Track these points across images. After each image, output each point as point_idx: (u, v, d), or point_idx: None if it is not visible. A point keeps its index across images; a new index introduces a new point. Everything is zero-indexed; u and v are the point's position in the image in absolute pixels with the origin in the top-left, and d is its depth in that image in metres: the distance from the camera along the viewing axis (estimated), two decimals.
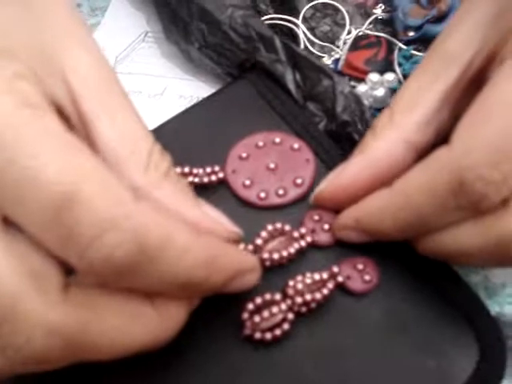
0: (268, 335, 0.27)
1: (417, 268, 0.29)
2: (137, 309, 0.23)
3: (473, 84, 0.27)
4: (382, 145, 0.28)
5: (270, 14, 0.42)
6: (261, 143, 0.33)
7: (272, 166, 0.32)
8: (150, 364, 0.25)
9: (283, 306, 0.27)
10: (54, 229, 0.19)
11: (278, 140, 0.33)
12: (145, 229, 0.20)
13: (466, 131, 0.24)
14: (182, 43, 0.39)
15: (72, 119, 0.24)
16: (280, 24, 0.41)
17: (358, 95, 0.35)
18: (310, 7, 0.42)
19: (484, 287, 0.34)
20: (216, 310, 0.27)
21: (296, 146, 0.33)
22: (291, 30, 0.41)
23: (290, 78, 0.35)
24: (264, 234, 0.29)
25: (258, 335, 0.27)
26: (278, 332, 0.27)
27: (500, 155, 0.22)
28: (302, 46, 0.41)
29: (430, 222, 0.26)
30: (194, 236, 0.23)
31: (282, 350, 0.27)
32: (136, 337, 0.22)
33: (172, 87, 0.41)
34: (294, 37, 0.41)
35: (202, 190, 0.31)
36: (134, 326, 0.22)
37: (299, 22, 0.41)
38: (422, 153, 0.27)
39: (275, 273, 0.29)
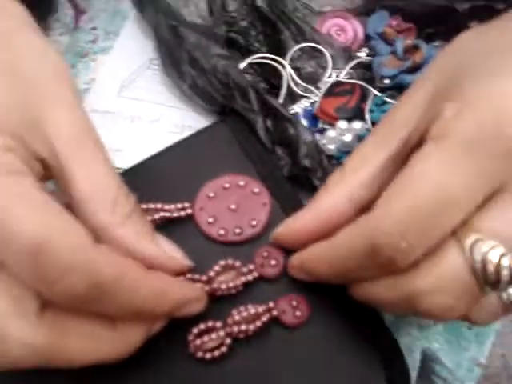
0: (208, 355, 0.34)
1: (346, 309, 0.36)
2: (100, 331, 0.30)
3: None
4: (329, 199, 0.33)
5: (261, 52, 0.47)
6: (227, 185, 0.39)
7: (233, 206, 0.38)
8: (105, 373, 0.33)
9: (221, 333, 0.34)
10: (29, 269, 0.26)
11: (241, 183, 0.39)
12: (98, 269, 0.27)
13: (383, 202, 0.29)
14: (176, 79, 0.45)
15: (53, 170, 0.31)
16: (268, 63, 0.47)
17: (318, 144, 0.40)
18: (299, 49, 0.47)
19: (417, 324, 0.40)
20: (167, 330, 0.34)
21: (256, 190, 0.39)
22: (277, 69, 0.47)
23: (260, 126, 0.41)
24: (217, 267, 0.36)
25: (199, 354, 0.34)
26: (216, 353, 0.34)
27: (407, 228, 0.27)
28: (286, 85, 0.46)
29: (355, 274, 0.32)
30: (144, 272, 0.30)
31: (220, 368, 0.34)
32: (99, 354, 0.30)
33: (168, 115, 0.48)
34: (280, 76, 0.47)
35: (171, 224, 0.38)
36: (96, 345, 0.30)
37: (286, 62, 0.47)
38: (367, 207, 0.32)
39: (223, 302, 0.36)
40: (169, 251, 0.33)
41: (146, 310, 0.30)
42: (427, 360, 0.39)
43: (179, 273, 0.34)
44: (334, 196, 0.33)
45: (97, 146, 0.32)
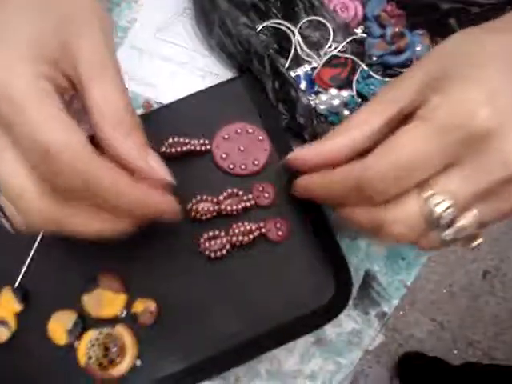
0: (212, 254, 0.49)
1: (315, 236, 0.50)
2: (97, 212, 0.39)
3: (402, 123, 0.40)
4: (333, 143, 0.42)
5: (277, 18, 0.59)
6: (239, 130, 0.52)
7: (242, 148, 0.52)
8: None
9: (224, 240, 0.48)
10: (39, 162, 0.36)
11: (250, 130, 0.52)
12: (93, 173, 0.36)
13: (374, 155, 0.39)
14: (206, 34, 0.57)
15: (77, 87, 0.39)
16: (282, 28, 0.59)
17: (312, 107, 0.53)
18: (307, 20, 0.59)
19: (364, 251, 0.55)
20: (184, 235, 0.48)
21: (261, 137, 0.52)
22: (288, 34, 0.58)
23: (269, 87, 0.53)
24: (225, 193, 0.50)
25: (207, 253, 0.49)
26: (218, 254, 0.49)
27: (386, 176, 0.37)
28: (294, 49, 0.58)
29: (342, 200, 0.42)
30: (132, 182, 0.38)
31: (220, 264, 0.49)
32: (97, 228, 0.40)
33: (195, 60, 0.60)
34: (289, 40, 0.59)
35: (194, 156, 0.51)
36: (94, 221, 0.39)
37: (296, 30, 0.58)
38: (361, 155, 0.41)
39: (227, 219, 0.50)
40: (157, 168, 0.41)
41: (131, 212, 0.40)
42: (368, 277, 0.54)
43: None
44: (338, 142, 0.42)
45: (113, 72, 0.39)
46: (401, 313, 1.32)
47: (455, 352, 1.30)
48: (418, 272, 0.55)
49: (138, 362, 0.47)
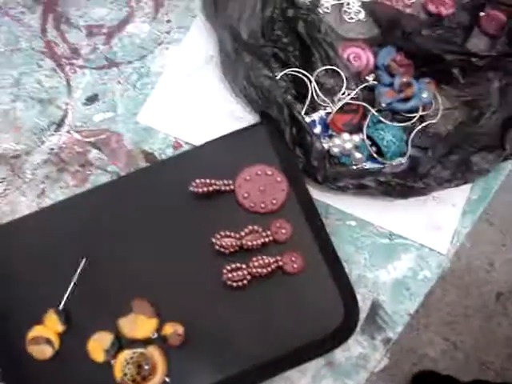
0: (234, 284, 0.55)
1: (328, 269, 0.57)
2: None
3: None
4: None
5: (296, 66, 0.66)
6: (259, 172, 0.59)
7: (262, 188, 0.58)
8: None
9: (245, 272, 0.55)
10: None
11: (269, 172, 0.59)
12: None
13: None
14: (231, 82, 0.64)
15: None
16: (299, 76, 0.65)
17: (325, 151, 0.60)
18: (323, 69, 0.65)
19: (372, 282, 0.61)
20: (207, 267, 0.55)
21: (279, 179, 0.59)
22: (305, 82, 0.65)
23: (287, 132, 0.60)
24: (246, 230, 0.56)
25: (229, 283, 0.55)
26: (240, 284, 0.55)
27: None
28: (310, 95, 0.65)
29: None
30: None
31: (241, 293, 0.56)
32: None
33: (222, 105, 0.67)
34: (306, 87, 0.65)
35: (218, 195, 0.58)
36: None
37: (312, 78, 0.65)
38: None
39: (248, 253, 0.57)
40: None
41: None
42: (375, 306, 0.60)
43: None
44: None
45: None
46: (415, 333, 1.37)
47: (468, 372, 1.35)
48: (425, 299, 0.61)
49: (167, 379, 0.54)
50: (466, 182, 0.58)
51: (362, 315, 0.60)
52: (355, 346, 0.60)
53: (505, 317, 1.41)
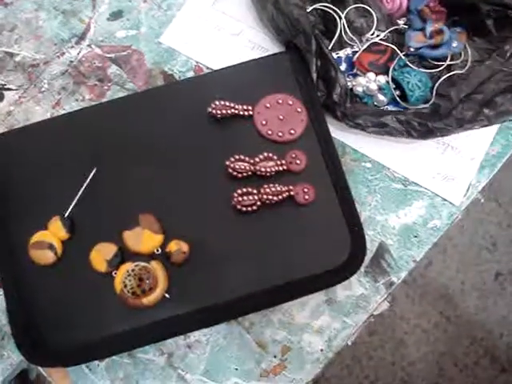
0: (243, 208, 0.54)
1: (339, 204, 0.56)
2: None
3: None
4: None
5: (326, 1, 0.64)
6: (280, 101, 0.58)
7: (281, 117, 0.57)
8: None
9: (255, 197, 0.54)
10: None
11: (290, 102, 0.58)
12: None
13: None
14: (259, 9, 0.63)
15: None
16: (329, 11, 0.64)
17: (348, 88, 0.59)
18: (355, 6, 0.64)
19: (381, 225, 0.61)
20: (217, 189, 0.54)
21: (299, 109, 0.58)
22: (335, 18, 0.64)
23: (312, 64, 0.58)
24: (261, 156, 0.55)
25: (238, 207, 0.55)
26: (249, 209, 0.54)
27: None
28: (338, 32, 0.63)
29: None
30: None
31: (250, 218, 0.55)
32: None
33: (246, 32, 0.65)
34: (335, 23, 0.64)
35: (236, 119, 0.57)
36: None
37: (342, 15, 0.63)
38: None
39: (261, 179, 0.56)
40: None
41: None
42: (381, 249, 0.60)
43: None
44: None
45: None
46: (410, 302, 1.37)
47: (458, 347, 1.35)
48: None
49: (167, 295, 0.54)
50: (488, 124, 0.57)
51: (368, 257, 0.59)
52: (357, 287, 0.59)
53: (501, 297, 1.41)
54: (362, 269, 0.58)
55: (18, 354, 0.61)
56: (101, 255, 0.54)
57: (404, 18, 0.65)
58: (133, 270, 0.53)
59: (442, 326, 1.39)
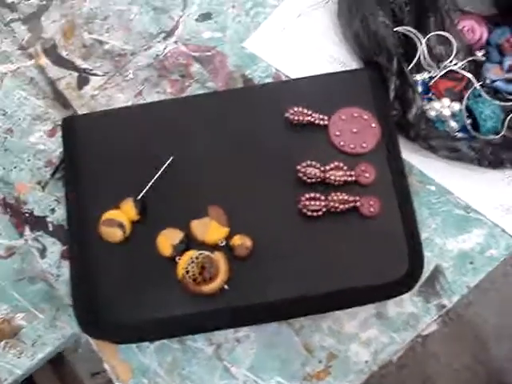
0: (309, 213, 0.57)
1: (403, 222, 0.57)
2: None
3: None
4: None
5: (409, 25, 0.66)
6: (356, 114, 0.60)
7: (355, 130, 0.59)
8: None
9: (322, 203, 0.56)
10: None
11: (365, 117, 0.60)
12: None
13: None
14: (345, 24, 0.65)
15: None
16: (410, 36, 0.66)
17: (424, 110, 0.61)
18: (436, 34, 0.66)
19: (439, 248, 0.62)
20: (286, 191, 0.57)
21: (373, 125, 0.60)
22: (415, 42, 0.66)
23: (391, 83, 0.61)
24: (332, 165, 0.58)
25: (304, 211, 0.57)
26: (314, 214, 0.56)
27: None
28: (417, 56, 0.65)
29: None
30: None
31: (314, 223, 0.57)
32: None
33: (327, 47, 0.68)
34: (415, 48, 0.66)
35: (311, 127, 0.59)
36: None
37: (423, 40, 0.66)
38: None
39: (329, 186, 0.58)
40: None
41: None
42: (437, 271, 0.61)
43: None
44: None
45: None
46: (444, 340, 1.37)
47: None
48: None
49: (226, 287, 0.56)
50: None
51: (423, 277, 0.60)
52: (409, 305, 0.60)
53: None
54: (416, 288, 0.59)
55: (71, 325, 0.63)
56: (167, 240, 0.57)
57: (483, 50, 0.67)
58: (197, 258, 0.55)
59: (473, 368, 1.38)
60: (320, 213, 0.57)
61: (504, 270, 1.42)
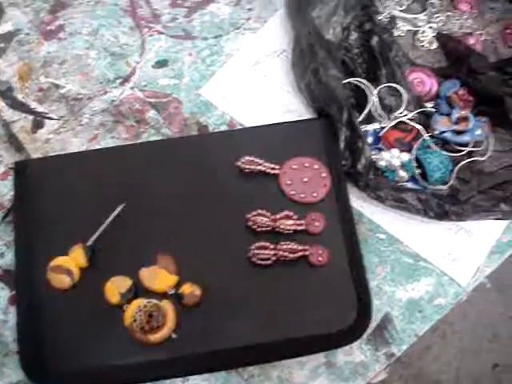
0: (259, 261, 0.57)
1: (350, 271, 0.58)
2: None
3: None
4: None
5: (361, 77, 0.68)
6: (307, 164, 0.61)
7: (306, 179, 0.61)
8: None
9: (271, 252, 0.57)
10: None
11: (316, 166, 0.61)
12: None
13: None
14: (298, 76, 0.67)
15: None
16: (362, 87, 0.68)
17: (372, 161, 0.62)
18: (387, 85, 0.68)
19: (387, 296, 0.63)
20: (236, 239, 0.57)
21: (324, 174, 0.61)
22: (367, 93, 0.68)
23: (341, 134, 0.62)
24: (282, 214, 0.58)
25: (253, 259, 0.57)
26: (263, 263, 0.57)
27: None
28: (369, 107, 0.67)
29: None
30: None
31: (264, 272, 0.58)
32: None
33: (281, 96, 0.69)
34: (366, 99, 0.68)
35: (263, 175, 0.60)
36: None
37: (374, 92, 0.67)
38: None
39: (279, 235, 0.58)
40: None
41: None
42: (385, 320, 0.62)
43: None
44: None
45: None
46: (402, 383, 1.37)
47: None
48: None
49: (174, 335, 0.55)
50: (502, 218, 0.60)
51: (372, 325, 0.61)
52: (358, 353, 0.61)
53: None
54: (365, 336, 0.60)
55: (18, 373, 0.62)
56: (115, 287, 0.57)
57: (432, 102, 0.69)
58: (144, 306, 0.55)
59: None
60: (269, 262, 0.57)
61: (462, 313, 1.44)
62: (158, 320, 0.55)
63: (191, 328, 0.56)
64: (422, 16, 0.75)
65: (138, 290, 0.57)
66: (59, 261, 0.58)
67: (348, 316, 0.57)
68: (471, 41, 0.73)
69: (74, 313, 0.57)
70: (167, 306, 0.56)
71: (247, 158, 0.60)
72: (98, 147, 0.67)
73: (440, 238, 0.64)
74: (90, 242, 0.58)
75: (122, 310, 0.56)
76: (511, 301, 1.47)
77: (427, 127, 0.67)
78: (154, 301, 0.56)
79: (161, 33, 0.73)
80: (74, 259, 0.58)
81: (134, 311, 0.55)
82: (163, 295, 0.57)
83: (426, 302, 0.62)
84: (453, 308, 0.63)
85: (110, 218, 0.59)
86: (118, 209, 0.59)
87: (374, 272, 0.63)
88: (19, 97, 0.70)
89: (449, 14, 0.74)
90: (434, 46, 0.73)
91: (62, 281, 0.57)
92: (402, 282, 0.63)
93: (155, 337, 0.55)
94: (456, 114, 0.65)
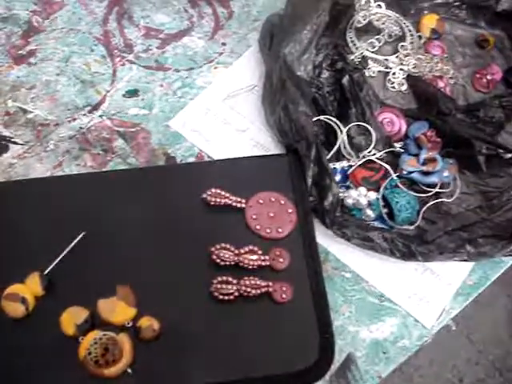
0: (221, 296, 0.56)
1: (313, 310, 0.58)
2: None
3: None
4: None
5: (331, 115, 0.69)
6: (273, 199, 0.61)
7: (271, 214, 0.60)
8: None
9: (234, 287, 0.56)
10: None
11: (282, 202, 0.61)
12: None
13: None
14: (268, 111, 0.67)
15: None
16: (332, 125, 0.68)
17: (339, 198, 0.62)
18: (356, 124, 0.68)
19: (351, 336, 0.62)
20: (198, 273, 0.56)
21: (290, 210, 0.61)
22: (336, 131, 0.68)
23: (309, 170, 0.62)
24: (246, 248, 0.58)
25: (215, 294, 0.56)
26: (226, 298, 0.56)
27: None
28: (338, 145, 0.68)
29: None
30: None
31: (226, 307, 0.57)
32: None
33: (251, 130, 0.70)
34: (336, 136, 0.68)
35: (228, 209, 0.60)
36: None
37: (344, 130, 0.68)
38: None
39: (242, 270, 0.58)
40: None
41: None
42: (349, 360, 0.61)
43: None
44: None
45: None
46: None
47: None
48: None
49: (129, 370, 0.54)
50: (468, 260, 0.60)
51: (334, 366, 0.60)
52: None
53: None
54: (327, 377, 0.59)
55: None
56: (71, 318, 0.55)
57: (401, 142, 0.70)
58: (100, 339, 0.54)
59: None
60: (232, 297, 0.57)
61: (428, 357, 1.44)
62: (114, 354, 0.53)
63: (148, 363, 0.55)
64: (393, 58, 0.76)
65: (96, 322, 0.56)
66: (14, 288, 0.56)
67: (309, 356, 0.56)
68: (441, 84, 0.74)
69: (28, 343, 0.55)
70: (124, 340, 0.55)
71: (213, 190, 0.60)
72: (62, 174, 0.66)
73: (406, 278, 0.64)
74: (47, 270, 0.57)
75: (78, 342, 0.54)
76: (477, 344, 1.47)
77: (395, 167, 0.68)
78: (111, 333, 0.54)
79: (133, 62, 0.74)
80: (30, 287, 0.56)
81: (89, 343, 0.54)
82: (121, 328, 0.55)
83: (391, 344, 0.62)
84: (419, 351, 0.63)
85: (70, 247, 0.58)
86: (78, 237, 0.58)
87: (338, 311, 0.62)
88: None
89: (420, 57, 0.76)
90: (404, 87, 0.75)
91: (15, 309, 0.55)
92: (367, 322, 0.62)
93: (110, 371, 0.53)
94: (424, 155, 0.66)
